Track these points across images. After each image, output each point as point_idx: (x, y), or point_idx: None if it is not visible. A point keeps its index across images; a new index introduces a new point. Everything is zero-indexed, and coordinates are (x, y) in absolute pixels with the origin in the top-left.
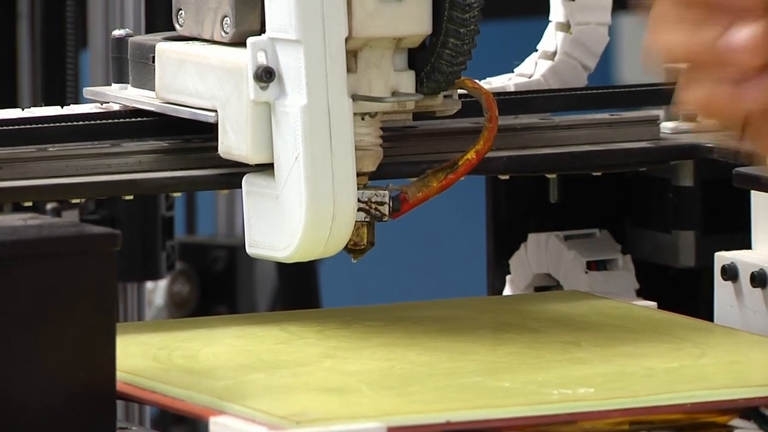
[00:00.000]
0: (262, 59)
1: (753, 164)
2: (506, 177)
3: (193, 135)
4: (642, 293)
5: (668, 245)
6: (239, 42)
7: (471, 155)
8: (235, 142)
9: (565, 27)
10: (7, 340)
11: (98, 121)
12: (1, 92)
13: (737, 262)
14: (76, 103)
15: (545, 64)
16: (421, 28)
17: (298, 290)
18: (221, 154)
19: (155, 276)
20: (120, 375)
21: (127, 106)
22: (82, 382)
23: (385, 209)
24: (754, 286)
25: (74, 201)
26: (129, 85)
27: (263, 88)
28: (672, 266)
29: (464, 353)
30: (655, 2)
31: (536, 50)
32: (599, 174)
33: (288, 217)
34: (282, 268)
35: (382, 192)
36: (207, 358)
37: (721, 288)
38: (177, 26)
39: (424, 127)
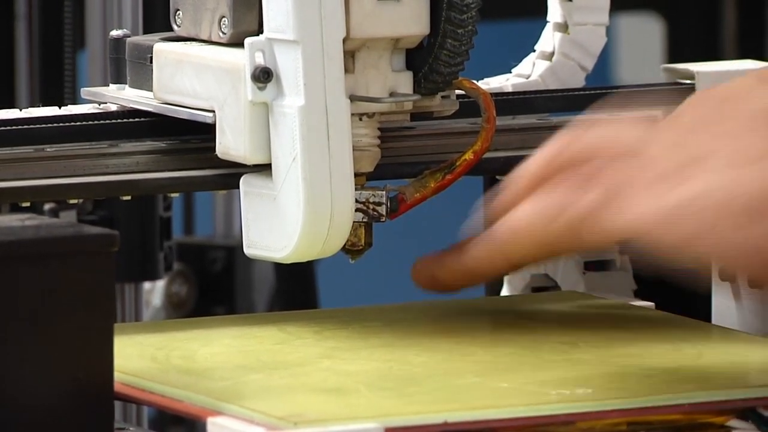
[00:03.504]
0: (259, 60)
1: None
2: (504, 177)
3: (191, 135)
4: (640, 294)
5: None
6: (237, 42)
7: (469, 156)
8: (232, 143)
9: (563, 27)
10: (5, 341)
11: (96, 122)
12: None
13: None
14: (74, 103)
15: (543, 65)
16: (418, 28)
17: (295, 291)
18: (219, 155)
19: (153, 276)
20: (118, 375)
21: (125, 106)
22: (79, 382)
23: (383, 210)
24: (752, 287)
25: (72, 201)
26: (127, 86)
27: (261, 89)
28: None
29: (462, 354)
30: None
31: (534, 51)
32: None
33: (286, 218)
34: (280, 268)
35: (379, 192)
36: (205, 359)
37: (719, 288)
38: (175, 27)
39: (421, 128)
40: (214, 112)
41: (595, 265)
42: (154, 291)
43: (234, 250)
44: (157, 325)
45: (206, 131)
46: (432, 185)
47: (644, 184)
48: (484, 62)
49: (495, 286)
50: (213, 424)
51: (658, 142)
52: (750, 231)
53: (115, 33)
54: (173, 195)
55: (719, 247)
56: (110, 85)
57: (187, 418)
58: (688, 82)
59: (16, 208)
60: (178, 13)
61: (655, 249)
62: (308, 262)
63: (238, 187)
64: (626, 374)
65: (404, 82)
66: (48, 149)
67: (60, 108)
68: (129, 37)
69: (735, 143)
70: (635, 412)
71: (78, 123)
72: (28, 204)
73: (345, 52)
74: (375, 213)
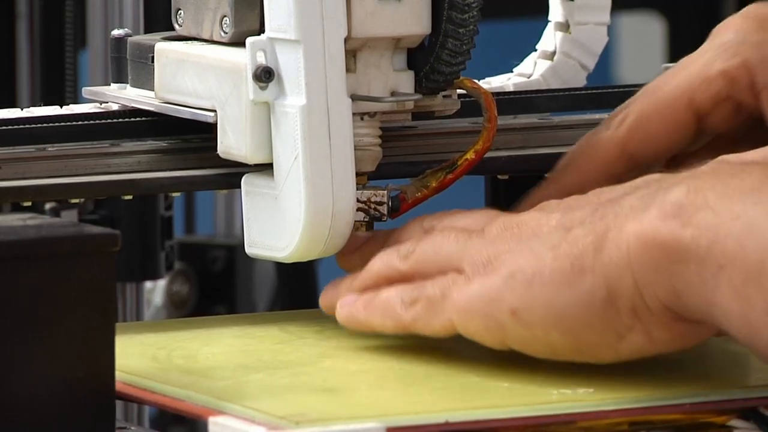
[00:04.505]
0: (261, 59)
1: None
2: (505, 177)
3: (193, 135)
4: None
5: None
6: (238, 42)
7: (470, 155)
8: (234, 142)
9: (564, 27)
10: (6, 340)
11: (97, 121)
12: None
13: None
14: (75, 102)
15: (544, 64)
16: (420, 28)
17: (297, 290)
18: (220, 154)
19: (154, 276)
20: (119, 375)
21: (126, 106)
22: (81, 382)
23: (384, 209)
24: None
25: (73, 201)
26: (128, 85)
27: (262, 88)
28: None
29: (463, 353)
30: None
31: (535, 50)
32: None
33: (287, 217)
34: (281, 267)
35: (380, 192)
36: (206, 358)
37: None
38: (176, 26)
39: (423, 127)
40: (215, 111)
41: None
42: (155, 290)
43: (235, 250)
44: (158, 324)
45: (207, 131)
46: (433, 185)
47: (463, 281)
48: (485, 62)
49: None
50: (214, 423)
51: (470, 254)
52: (555, 300)
53: (116, 32)
54: (174, 194)
55: (535, 316)
56: (111, 84)
57: (189, 418)
58: None
59: (17, 208)
60: (179, 12)
61: (489, 328)
62: (309, 261)
63: (240, 187)
64: (627, 373)
65: (406, 82)
66: (49, 149)
67: (61, 107)
68: (130, 36)
69: (532, 244)
70: (636, 411)
71: (79, 122)
72: (29, 203)
73: (346, 52)
74: (376, 212)
